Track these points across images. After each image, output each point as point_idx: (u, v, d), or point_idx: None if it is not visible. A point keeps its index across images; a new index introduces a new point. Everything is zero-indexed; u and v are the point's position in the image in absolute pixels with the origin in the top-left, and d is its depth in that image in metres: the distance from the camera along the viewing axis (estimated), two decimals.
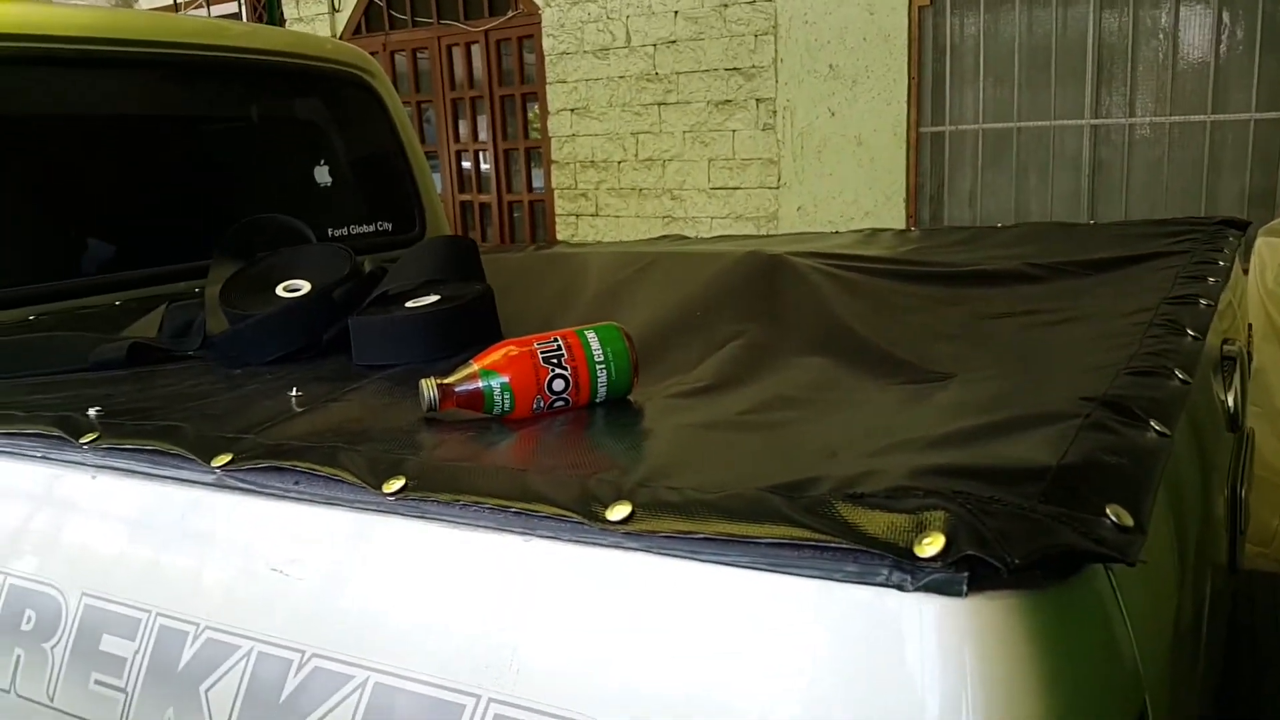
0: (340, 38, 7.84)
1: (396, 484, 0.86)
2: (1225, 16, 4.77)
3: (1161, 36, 4.92)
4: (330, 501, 0.90)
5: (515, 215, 7.90)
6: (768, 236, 2.65)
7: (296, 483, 0.92)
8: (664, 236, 3.19)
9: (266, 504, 0.94)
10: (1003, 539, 0.64)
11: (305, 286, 1.60)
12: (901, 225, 5.55)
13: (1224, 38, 4.81)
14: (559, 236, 7.24)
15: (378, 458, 0.91)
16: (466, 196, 8.09)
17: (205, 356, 1.55)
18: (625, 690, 0.73)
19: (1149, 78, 4.99)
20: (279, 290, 1.60)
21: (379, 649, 0.82)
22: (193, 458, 0.99)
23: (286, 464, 0.93)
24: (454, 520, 0.83)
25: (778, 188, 6.18)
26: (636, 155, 6.77)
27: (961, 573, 0.63)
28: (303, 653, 0.85)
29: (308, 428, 1.05)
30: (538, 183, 7.65)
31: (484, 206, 8.03)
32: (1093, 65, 5.09)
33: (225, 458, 0.96)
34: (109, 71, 2.30)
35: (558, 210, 7.28)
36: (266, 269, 1.68)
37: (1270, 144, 4.75)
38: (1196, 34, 4.87)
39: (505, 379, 1.06)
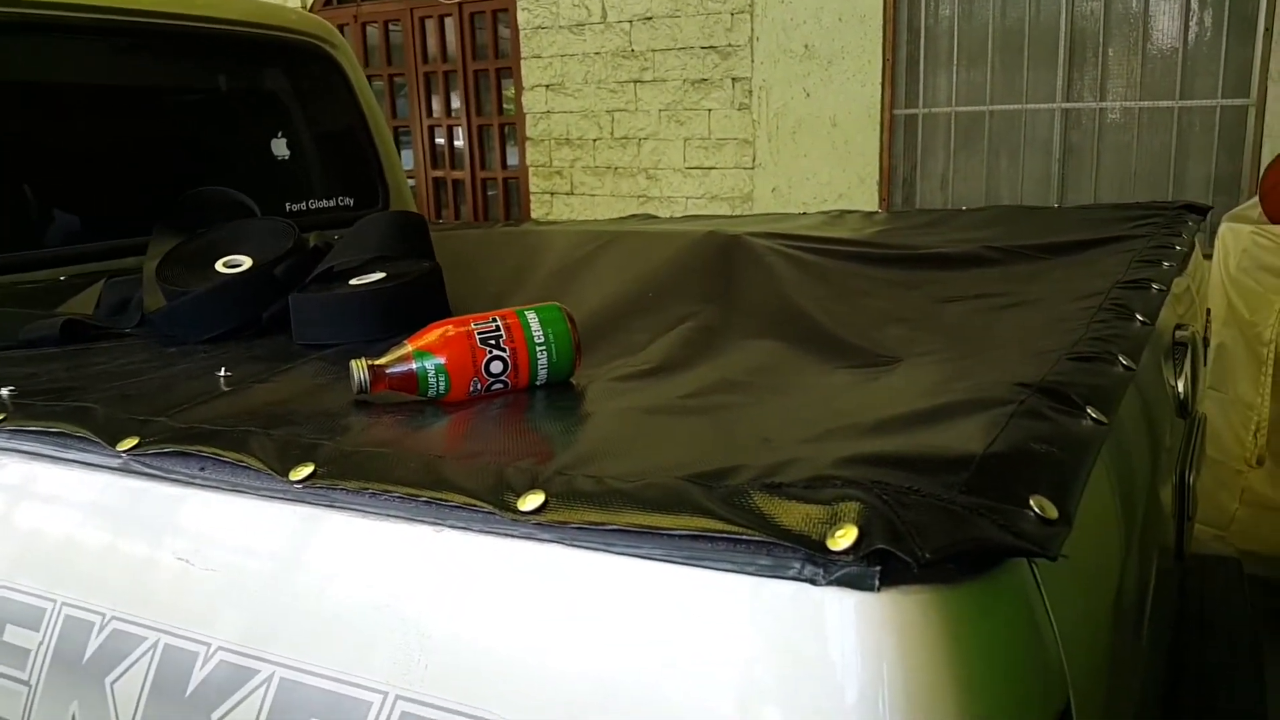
0: (310, 9, 7.72)
1: (304, 471, 0.83)
2: (1194, 3, 4.76)
3: (1133, 21, 4.91)
4: (237, 489, 0.87)
5: (490, 193, 7.82)
6: (735, 217, 2.62)
7: (202, 468, 0.89)
8: (633, 215, 3.17)
9: (172, 490, 0.90)
10: (917, 532, 0.61)
11: (246, 262, 1.56)
12: (874, 208, 5.53)
13: (1193, 24, 4.80)
14: (533, 214, 7.17)
15: (290, 443, 0.88)
16: (439, 173, 8.01)
17: (141, 334, 1.51)
18: (537, 687, 0.70)
19: (1120, 63, 4.98)
20: (219, 266, 1.56)
21: (284, 642, 0.79)
22: (98, 441, 0.95)
23: (192, 449, 0.90)
24: (363, 509, 0.80)
25: (753, 168, 6.14)
26: (612, 133, 6.71)
27: (874, 566, 0.61)
28: (209, 645, 0.82)
29: (225, 410, 1.01)
30: (512, 160, 7.57)
31: (457, 183, 7.94)
32: (1065, 49, 5.08)
33: (131, 441, 0.93)
34: (61, 38, 2.24)
35: (532, 188, 7.21)
36: (207, 244, 1.64)
37: (1235, 130, 4.75)
38: (1167, 20, 4.86)
39: (440, 360, 1.03)
